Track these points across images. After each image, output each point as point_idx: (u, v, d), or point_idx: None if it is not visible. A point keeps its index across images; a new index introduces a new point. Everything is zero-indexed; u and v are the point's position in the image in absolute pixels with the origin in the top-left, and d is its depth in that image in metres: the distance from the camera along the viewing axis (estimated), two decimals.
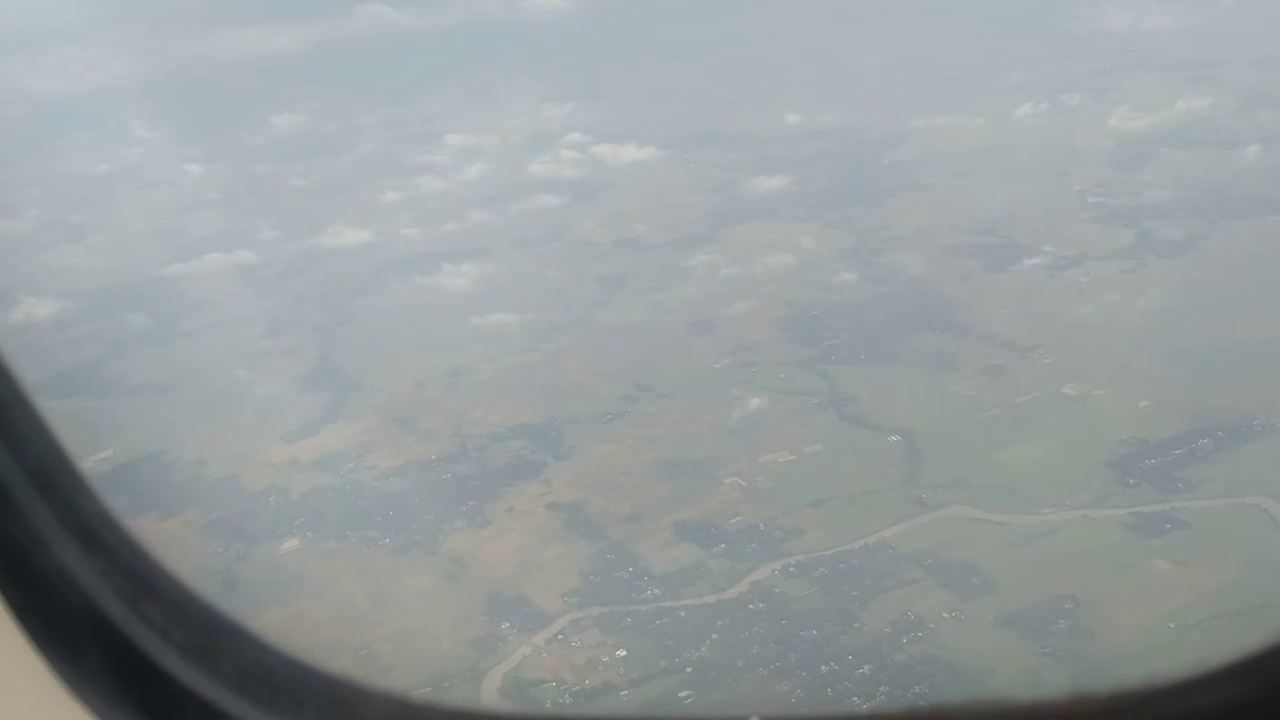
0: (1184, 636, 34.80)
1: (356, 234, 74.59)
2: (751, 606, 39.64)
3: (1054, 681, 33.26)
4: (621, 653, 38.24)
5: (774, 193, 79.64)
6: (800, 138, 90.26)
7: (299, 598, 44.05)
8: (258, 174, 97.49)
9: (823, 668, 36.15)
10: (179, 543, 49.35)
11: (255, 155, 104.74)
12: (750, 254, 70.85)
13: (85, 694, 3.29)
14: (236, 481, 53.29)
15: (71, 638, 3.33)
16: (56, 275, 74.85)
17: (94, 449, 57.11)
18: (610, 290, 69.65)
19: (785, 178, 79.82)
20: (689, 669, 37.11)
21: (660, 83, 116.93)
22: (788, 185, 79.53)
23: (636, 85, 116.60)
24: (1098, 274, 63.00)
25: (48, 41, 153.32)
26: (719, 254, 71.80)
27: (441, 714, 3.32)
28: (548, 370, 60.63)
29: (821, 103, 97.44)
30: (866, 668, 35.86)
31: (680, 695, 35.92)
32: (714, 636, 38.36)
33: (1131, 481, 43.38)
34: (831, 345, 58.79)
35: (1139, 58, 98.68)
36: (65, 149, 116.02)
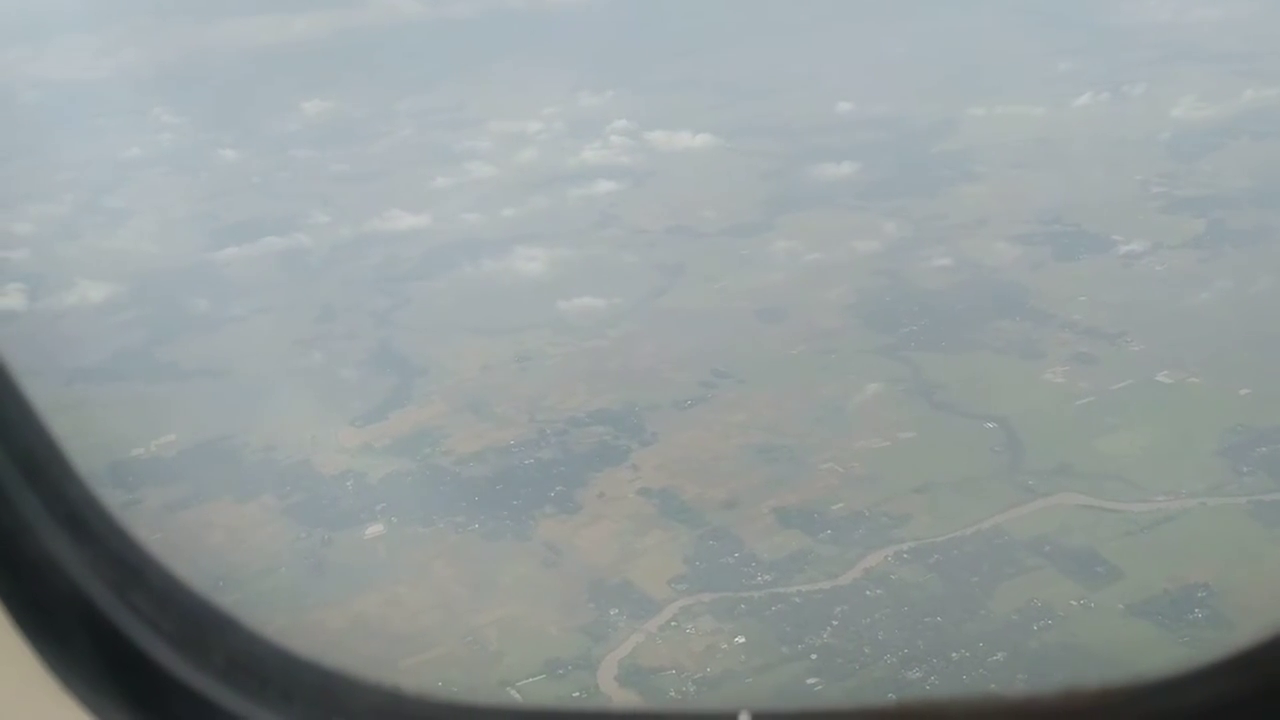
0: None
1: (414, 219, 73.43)
2: (869, 593, 38.76)
3: None
4: (740, 639, 37.33)
5: (829, 181, 78.85)
6: (851, 127, 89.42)
7: (393, 583, 43.04)
8: (297, 159, 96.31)
9: (954, 655, 35.29)
10: (259, 527, 48.42)
11: (290, 141, 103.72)
12: (813, 242, 70.04)
13: (73, 684, 3.22)
14: (310, 466, 52.29)
15: (60, 627, 3.26)
16: (106, 258, 73.72)
17: (156, 433, 56.37)
18: (670, 277, 68.78)
19: (853, 164, 78.86)
20: (813, 655, 36.22)
21: (692, 72, 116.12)
22: (854, 173, 78.56)
23: (669, 74, 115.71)
24: (1173, 263, 62.24)
25: (51, 29, 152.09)
26: (780, 242, 70.94)
27: (431, 706, 3.21)
28: (618, 356, 59.72)
29: (864, 92, 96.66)
30: (1000, 655, 35.01)
31: (808, 682, 35.06)
32: (834, 623, 37.48)
33: (1245, 469, 42.54)
34: (910, 332, 57.98)
35: (1186, 49, 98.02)
36: (89, 134, 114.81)
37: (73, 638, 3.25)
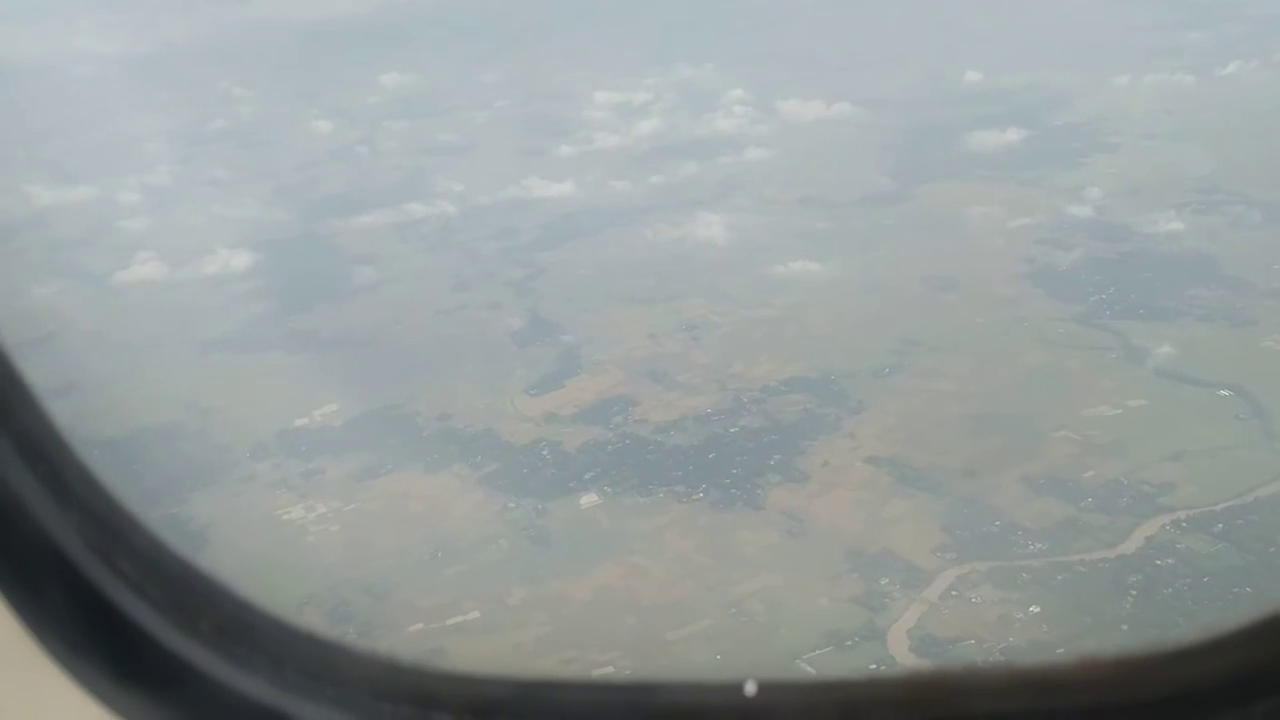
0: None
1: (558, 186, 71.17)
2: (1159, 562, 36.88)
3: None
4: (1034, 609, 35.45)
5: (983, 151, 77.06)
6: (987, 96, 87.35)
7: (628, 553, 41.12)
8: (396, 130, 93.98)
9: None
10: (458, 497, 46.47)
11: (379, 112, 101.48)
12: (972, 210, 68.30)
13: (59, 652, 3.06)
14: (495, 435, 50.42)
15: (45, 594, 3.12)
16: (238, 227, 71.56)
17: (315, 403, 54.36)
18: (824, 244, 66.79)
19: (1020, 131, 76.84)
20: (1124, 626, 34.35)
21: (778, 44, 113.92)
22: (1019, 141, 76.65)
23: (757, 47, 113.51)
24: None
25: (75, 7, 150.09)
26: (937, 210, 69.13)
27: (427, 676, 2.98)
28: (791, 325, 57.76)
29: (987, 62, 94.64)
30: None
31: None
32: (1133, 594, 35.60)
33: None
34: (1099, 300, 56.08)
35: None
36: (160, 107, 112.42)
37: (58, 605, 3.11)
